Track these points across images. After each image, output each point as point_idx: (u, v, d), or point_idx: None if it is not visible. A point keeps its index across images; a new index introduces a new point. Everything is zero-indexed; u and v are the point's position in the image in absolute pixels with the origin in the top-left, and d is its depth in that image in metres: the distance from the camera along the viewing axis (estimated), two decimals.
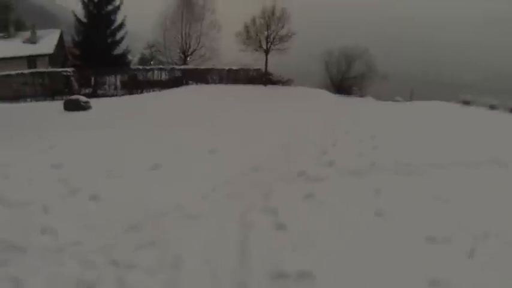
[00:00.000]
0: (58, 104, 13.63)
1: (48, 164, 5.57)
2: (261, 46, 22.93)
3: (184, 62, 27.68)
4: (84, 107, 13.09)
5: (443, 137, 8.82)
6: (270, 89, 22.33)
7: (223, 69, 24.21)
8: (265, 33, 22.79)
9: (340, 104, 18.16)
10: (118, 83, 21.50)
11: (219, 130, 9.05)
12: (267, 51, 22.95)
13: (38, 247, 3.36)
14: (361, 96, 28.08)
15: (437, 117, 12.59)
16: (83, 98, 13.56)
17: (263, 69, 23.95)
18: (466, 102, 17.86)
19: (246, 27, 23.15)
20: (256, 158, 6.70)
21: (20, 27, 28.79)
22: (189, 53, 27.96)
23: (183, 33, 27.70)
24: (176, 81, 22.74)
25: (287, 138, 8.63)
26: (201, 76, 23.68)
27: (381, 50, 28.33)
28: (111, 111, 12.88)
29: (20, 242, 3.41)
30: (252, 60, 23.49)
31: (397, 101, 23.79)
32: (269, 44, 22.85)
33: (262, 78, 23.79)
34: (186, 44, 27.76)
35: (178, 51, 27.95)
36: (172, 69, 23.58)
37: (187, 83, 22.92)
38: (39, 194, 4.41)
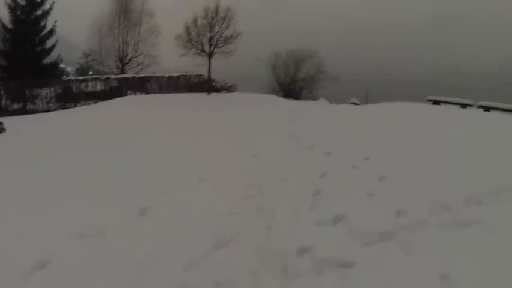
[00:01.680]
0: None
1: None
2: (203, 49, 20.26)
3: (122, 71, 25.75)
4: None
5: (457, 149, 6.33)
6: (213, 97, 20.11)
7: (163, 77, 22.26)
8: (208, 34, 20.22)
9: (295, 110, 16.23)
10: (51, 96, 18.95)
11: (149, 167, 6.48)
12: (210, 55, 20.35)
13: None
14: (313, 99, 27.02)
15: (425, 121, 10.30)
16: None
17: (206, 75, 21.58)
18: (436, 103, 16.69)
19: (187, 29, 20.35)
20: (213, 219, 4.13)
21: None
22: (126, 61, 26.12)
23: (120, 40, 25.86)
24: (113, 91, 20.77)
25: (251, 171, 5.99)
26: (140, 85, 21.70)
27: (330, 52, 27.78)
28: (28, 135, 10.46)
29: None
30: (194, 65, 20.93)
31: (354, 103, 22.26)
32: (212, 46, 20.28)
33: (205, 85, 21.61)
34: (123, 51, 25.94)
35: (115, 59, 25.98)
36: (108, 78, 21.35)
37: (125, 93, 21.03)
38: None
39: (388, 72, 30.98)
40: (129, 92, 21.26)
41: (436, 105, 15.98)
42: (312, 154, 6.93)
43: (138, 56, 26.09)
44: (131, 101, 17.57)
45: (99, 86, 20.76)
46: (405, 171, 5.24)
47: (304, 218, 4.04)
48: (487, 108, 14.81)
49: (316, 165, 5.98)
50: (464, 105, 15.73)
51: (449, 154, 6.02)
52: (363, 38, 38.28)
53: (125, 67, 25.91)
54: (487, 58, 35.66)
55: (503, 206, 3.74)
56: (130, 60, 26.09)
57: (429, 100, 17.00)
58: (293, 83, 28.86)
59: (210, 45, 20.21)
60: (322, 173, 5.48)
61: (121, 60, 25.83)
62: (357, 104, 21.35)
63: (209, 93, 20.65)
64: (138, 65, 26.27)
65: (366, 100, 24.85)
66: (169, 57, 24.24)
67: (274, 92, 27.19)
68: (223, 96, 21.17)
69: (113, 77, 21.97)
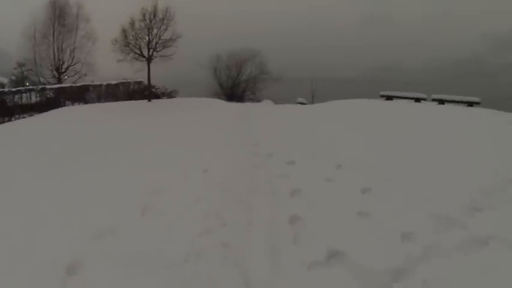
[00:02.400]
0: None
1: None
2: (141, 54, 19.13)
3: (59, 80, 24.22)
4: None
5: (430, 148, 6.03)
6: (154, 104, 19.08)
7: (101, 85, 21.18)
8: (146, 38, 19.17)
9: (242, 113, 15.42)
10: None
11: (80, 195, 4.87)
12: (149, 59, 19.28)
13: None
14: (257, 100, 26.57)
15: (387, 118, 9.77)
16: None
17: (145, 81, 20.73)
18: (389, 98, 16.29)
19: (124, 32, 19.05)
20: (164, 274, 2.97)
21: None
22: (63, 70, 24.60)
23: (55, 47, 24.33)
24: (50, 102, 19.95)
25: (205, 193, 4.67)
26: (78, 95, 20.93)
27: (271, 55, 27.99)
28: None
29: None
30: (133, 71, 19.88)
31: (301, 103, 21.73)
32: (151, 50, 19.23)
33: (145, 91, 20.85)
34: (59, 59, 24.42)
35: (51, 68, 24.38)
36: (43, 89, 20.37)
37: (63, 104, 20.28)
38: None
39: (329, 72, 31.89)
40: (67, 102, 20.58)
41: (389, 101, 15.81)
42: (273, 164, 5.96)
43: (75, 64, 24.79)
44: (68, 113, 16.64)
45: (34, 98, 19.92)
46: (386, 179, 4.62)
47: (287, 258, 3.08)
48: (441, 101, 14.72)
49: (282, 180, 5.04)
50: (418, 99, 15.49)
51: (424, 154, 5.62)
52: (303, 41, 39.30)
53: (61, 76, 24.48)
54: (416, 56, 37.87)
55: (502, 210, 3.52)
56: (67, 68, 24.67)
57: (382, 96, 16.73)
58: (236, 85, 28.32)
59: (149, 49, 19.20)
60: (292, 189, 4.56)
61: (57, 69, 24.33)
62: (304, 104, 20.98)
63: (150, 100, 19.82)
64: (76, 74, 24.98)
65: (312, 99, 24.58)
66: (108, 64, 23.74)
67: (217, 95, 26.68)
68: (164, 102, 20.36)
69: (48, 87, 21.02)
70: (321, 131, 8.57)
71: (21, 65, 27.69)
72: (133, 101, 19.90)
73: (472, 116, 9.95)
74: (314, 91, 25.69)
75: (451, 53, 38.25)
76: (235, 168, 5.96)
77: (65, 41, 24.74)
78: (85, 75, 24.63)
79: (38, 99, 19.92)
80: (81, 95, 20.88)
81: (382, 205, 3.89)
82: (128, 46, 18.90)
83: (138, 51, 19.02)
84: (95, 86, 21.22)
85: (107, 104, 19.54)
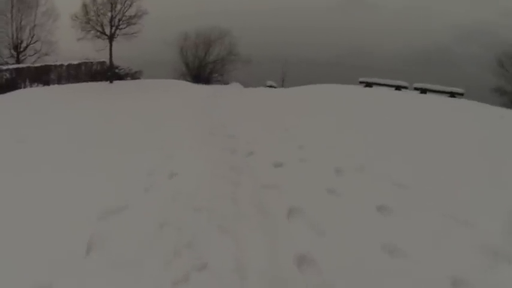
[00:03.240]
0: None
1: None
2: (103, 31, 17.80)
3: (18, 60, 22.80)
4: None
5: (437, 146, 5.40)
6: (116, 86, 17.94)
7: (62, 66, 19.78)
8: (109, 14, 17.88)
9: (210, 96, 14.44)
10: None
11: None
12: (111, 38, 18.02)
13: None
14: (225, 83, 25.46)
15: (375, 108, 9.05)
16: None
17: (106, 62, 19.73)
18: (368, 85, 15.78)
19: (84, 7, 17.69)
20: None
21: None
22: (21, 49, 23.14)
23: (14, 25, 22.93)
24: (7, 84, 18.95)
25: (174, 213, 3.46)
26: (36, 76, 19.99)
27: (242, 33, 27.11)
28: None
29: None
30: (95, 50, 18.78)
31: (271, 86, 21.09)
32: (114, 28, 17.95)
33: (108, 72, 19.59)
34: (17, 38, 22.95)
35: (9, 47, 22.92)
36: None
37: (24, 86, 19.25)
38: None
39: (300, 54, 31.46)
40: (27, 84, 19.56)
41: (369, 88, 15.37)
42: (257, 167, 4.71)
43: (34, 42, 23.29)
44: (22, 97, 15.72)
45: None
46: (400, 186, 3.77)
47: None
48: (423, 91, 14.25)
49: (272, 192, 3.82)
50: (398, 87, 14.93)
51: (434, 153, 4.96)
52: (275, 21, 38.60)
53: (20, 56, 23.16)
54: (388, 43, 37.94)
55: None
56: (26, 47, 23.26)
57: (361, 82, 16.08)
58: (202, 66, 26.74)
59: (112, 27, 17.90)
60: (288, 207, 3.38)
61: (16, 48, 23.01)
62: (274, 87, 20.42)
63: (111, 81, 18.64)
64: (35, 53, 23.50)
65: (283, 83, 23.55)
66: (71, 43, 22.48)
67: (183, 76, 25.50)
68: (127, 84, 19.16)
69: (4, 67, 19.96)
70: (304, 122, 7.53)
71: None
72: (94, 83, 18.80)
73: (459, 108, 9.48)
74: (285, 74, 24.50)
75: (421, 42, 38.48)
76: (211, 171, 4.67)
77: (24, 18, 23.37)
78: (46, 54, 23.45)
79: None
80: (40, 76, 19.92)
81: (406, 231, 2.93)
82: (89, 23, 17.58)
83: (99, 29, 17.71)
84: (55, 67, 20.21)
85: (65, 86, 18.34)
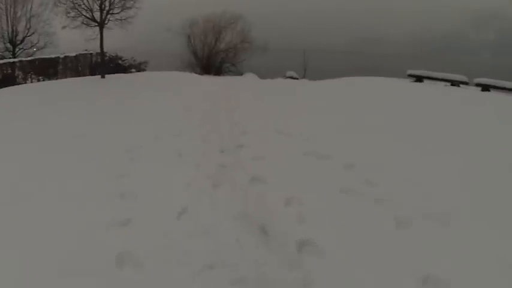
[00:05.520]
0: None
1: None
2: (93, 18, 14.79)
3: (14, 54, 21.32)
4: None
5: None
6: (108, 82, 14.89)
7: (57, 58, 18.24)
8: None
9: (222, 93, 12.10)
10: None
11: None
12: (101, 24, 14.90)
13: None
14: (238, 73, 23.00)
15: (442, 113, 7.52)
16: None
17: (110, 52, 18.14)
18: (419, 79, 13.78)
19: None
20: None
21: None
22: (18, 42, 21.66)
23: (9, 16, 21.45)
24: (4, 80, 17.11)
25: None
26: (32, 70, 18.04)
27: (255, 19, 24.68)
28: None
29: None
30: (84, 40, 15.40)
31: (292, 77, 18.88)
32: (105, 13, 14.84)
33: (110, 64, 17.78)
34: (13, 30, 21.47)
35: (4, 40, 21.46)
36: None
37: (25, 81, 17.29)
38: None
39: (316, 42, 28.88)
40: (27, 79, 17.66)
41: (419, 83, 13.33)
42: None
43: (31, 34, 21.86)
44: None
45: None
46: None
47: None
48: (485, 87, 12.17)
49: None
50: (455, 83, 12.77)
51: None
52: (288, 5, 35.89)
53: (16, 49, 21.70)
54: (398, 27, 35.06)
55: None
56: (22, 40, 21.83)
57: (410, 75, 14.01)
58: (213, 55, 24.00)
59: (102, 11, 14.82)
60: None
61: (11, 41, 21.55)
62: (295, 79, 18.35)
63: (103, 76, 15.66)
64: (32, 46, 22.04)
65: (304, 73, 21.05)
66: (71, 35, 20.71)
67: (191, 67, 23.06)
68: (120, 79, 15.98)
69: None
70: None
71: None
72: (85, 78, 16.55)
73: None
74: (306, 64, 21.74)
75: (432, 26, 35.64)
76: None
77: (20, 9, 21.67)
78: (44, 46, 21.77)
79: None
80: (36, 70, 18.04)
81: None
82: (76, 8, 14.57)
83: (89, 15, 14.72)
84: (49, 60, 18.25)
85: (53, 82, 16.08)
